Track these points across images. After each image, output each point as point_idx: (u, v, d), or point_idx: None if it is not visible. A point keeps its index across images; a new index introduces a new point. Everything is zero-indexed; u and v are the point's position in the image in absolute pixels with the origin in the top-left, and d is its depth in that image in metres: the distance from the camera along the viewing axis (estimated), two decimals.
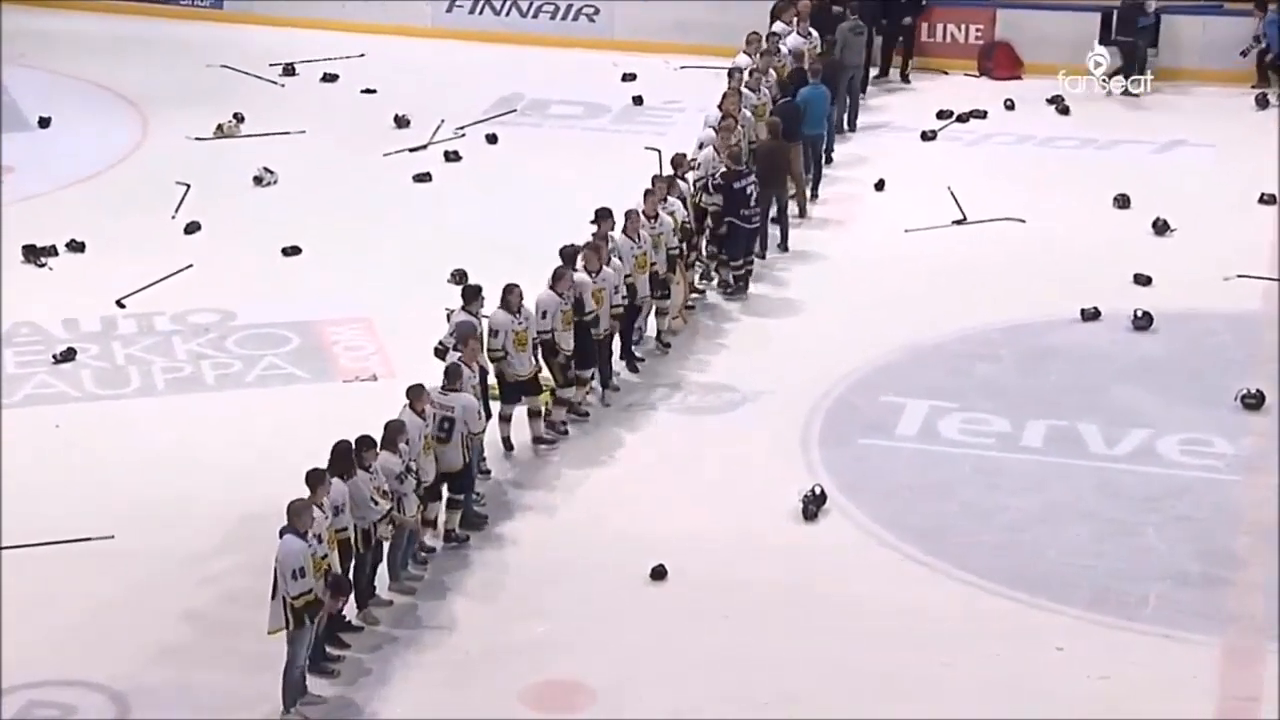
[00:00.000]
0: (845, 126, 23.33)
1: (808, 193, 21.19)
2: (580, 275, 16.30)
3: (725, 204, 18.61)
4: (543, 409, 16.16)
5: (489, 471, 15.67)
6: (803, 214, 20.95)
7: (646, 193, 17.64)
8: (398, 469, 13.76)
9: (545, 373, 16.25)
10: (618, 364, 17.42)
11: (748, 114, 20.29)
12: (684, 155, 18.90)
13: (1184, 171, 22.50)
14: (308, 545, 12.55)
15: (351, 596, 13.68)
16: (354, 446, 13.41)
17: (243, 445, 16.21)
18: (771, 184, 19.70)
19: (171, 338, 18.30)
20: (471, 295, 15.71)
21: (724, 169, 18.73)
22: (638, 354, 17.67)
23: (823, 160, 21.92)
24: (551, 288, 16.04)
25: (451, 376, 14.59)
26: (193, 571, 14.40)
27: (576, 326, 16.26)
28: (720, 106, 19.97)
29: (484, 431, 15.10)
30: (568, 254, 16.46)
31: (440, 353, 15.34)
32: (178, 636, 13.70)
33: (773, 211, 19.99)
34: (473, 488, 14.95)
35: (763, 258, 19.76)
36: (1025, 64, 25.70)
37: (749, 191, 18.68)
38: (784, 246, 20.27)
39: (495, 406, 15.90)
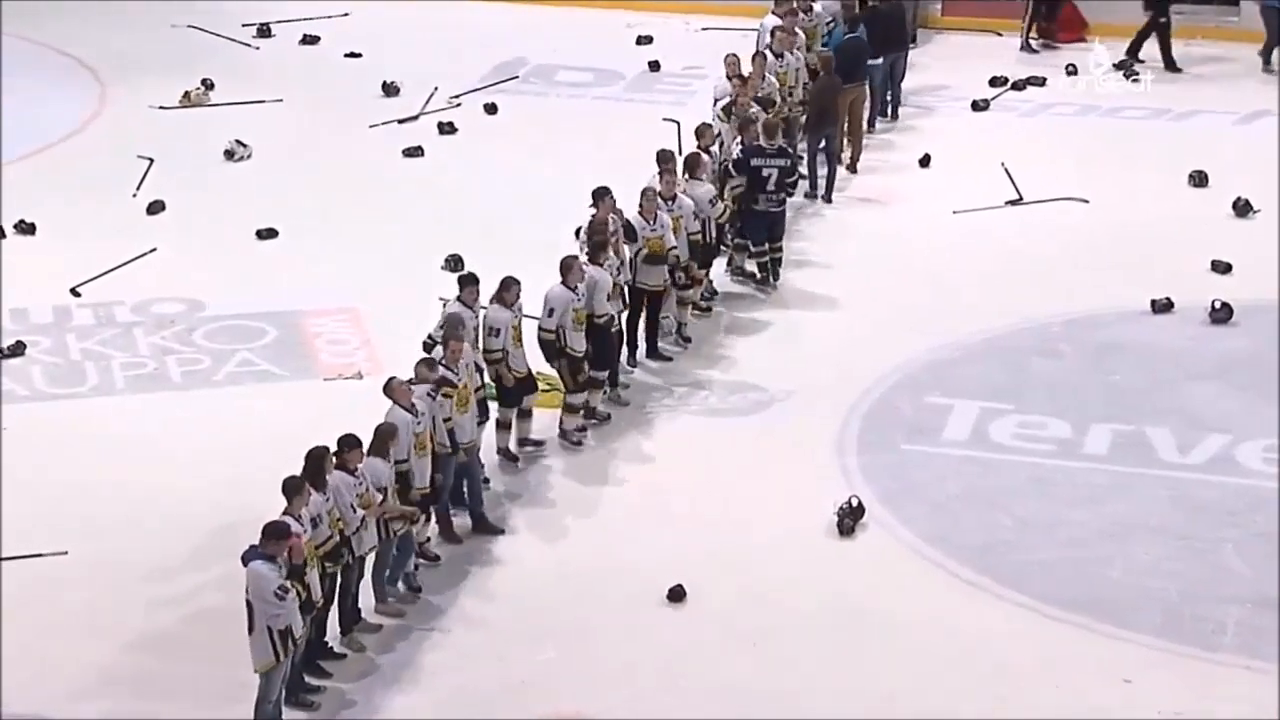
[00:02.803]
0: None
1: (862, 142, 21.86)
2: (596, 270, 16.26)
3: (746, 185, 18.64)
4: (532, 410, 16.16)
5: (487, 481, 15.70)
6: (852, 167, 21.41)
7: (662, 171, 17.64)
8: (384, 480, 13.78)
9: (547, 370, 16.28)
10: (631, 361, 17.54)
11: (772, 79, 20.32)
12: (708, 125, 18.92)
13: (1268, 145, 22.44)
14: (278, 567, 12.56)
15: (335, 619, 13.73)
16: (336, 446, 13.43)
17: (212, 450, 16.25)
18: (821, 124, 20.40)
19: (133, 330, 18.35)
20: (467, 285, 15.69)
21: (743, 145, 18.76)
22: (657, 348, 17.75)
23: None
24: (562, 281, 16.04)
25: (417, 374, 14.58)
26: (156, 590, 14.44)
27: (590, 324, 16.24)
28: (729, 75, 19.96)
29: (474, 442, 15.11)
30: (598, 244, 16.42)
31: (430, 348, 15.37)
32: (138, 663, 13.73)
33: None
34: (445, 499, 14.93)
35: (814, 198, 20.59)
36: (1090, 24, 25.68)
37: (765, 174, 18.66)
38: (828, 197, 20.76)
39: (492, 409, 15.94)
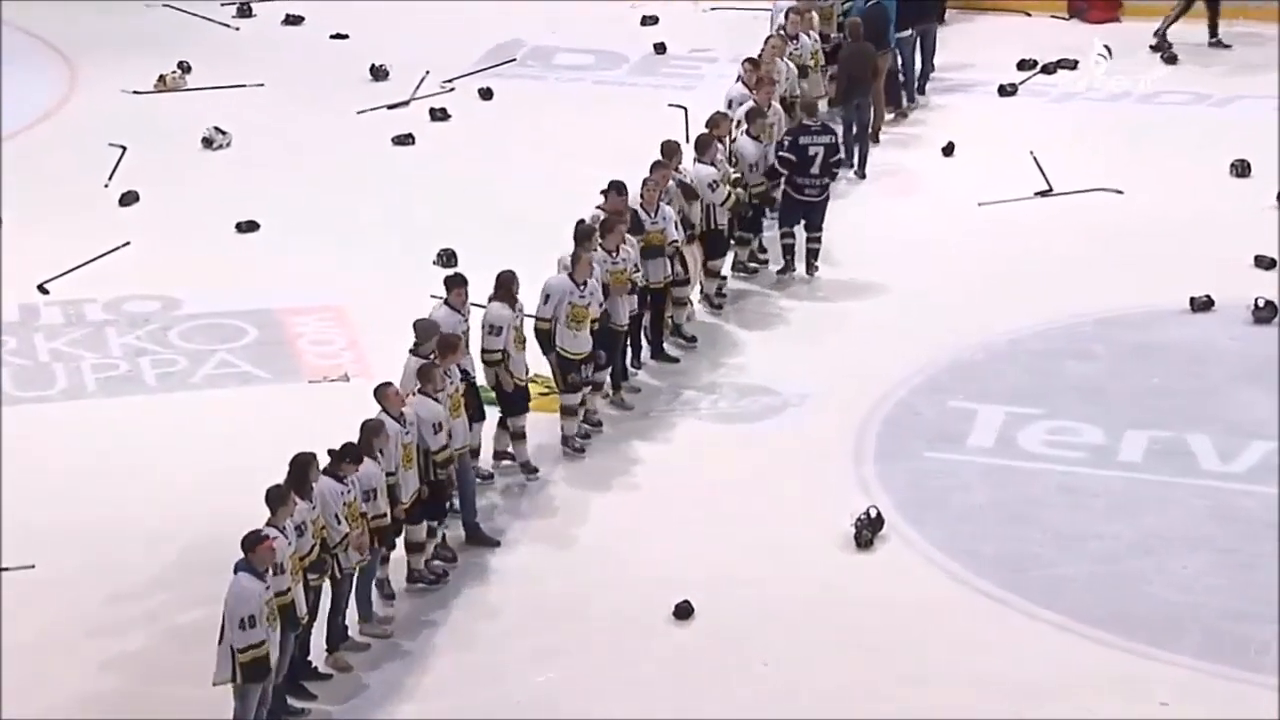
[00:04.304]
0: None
1: (885, 114, 22.20)
2: (598, 257, 16.30)
3: (792, 170, 18.63)
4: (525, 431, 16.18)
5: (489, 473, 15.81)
6: (875, 138, 21.70)
7: (655, 164, 17.57)
8: (376, 482, 13.79)
9: (544, 371, 16.31)
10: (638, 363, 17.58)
11: (790, 65, 20.36)
12: (723, 115, 18.86)
13: None
14: (265, 586, 12.58)
15: (321, 635, 13.75)
16: (331, 456, 13.43)
17: (189, 457, 16.27)
18: (851, 94, 20.79)
19: (104, 329, 18.38)
20: (455, 286, 15.63)
21: (788, 125, 18.88)
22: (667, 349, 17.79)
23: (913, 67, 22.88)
24: (569, 274, 16.02)
25: (425, 378, 14.60)
26: (128, 607, 14.46)
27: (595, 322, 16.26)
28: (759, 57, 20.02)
29: (467, 448, 15.12)
30: (583, 232, 16.45)
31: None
32: (108, 684, 13.75)
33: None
34: (442, 513, 14.94)
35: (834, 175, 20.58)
36: (1125, 4, 25.71)
37: (812, 153, 18.69)
38: (861, 173, 21.09)
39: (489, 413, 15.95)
